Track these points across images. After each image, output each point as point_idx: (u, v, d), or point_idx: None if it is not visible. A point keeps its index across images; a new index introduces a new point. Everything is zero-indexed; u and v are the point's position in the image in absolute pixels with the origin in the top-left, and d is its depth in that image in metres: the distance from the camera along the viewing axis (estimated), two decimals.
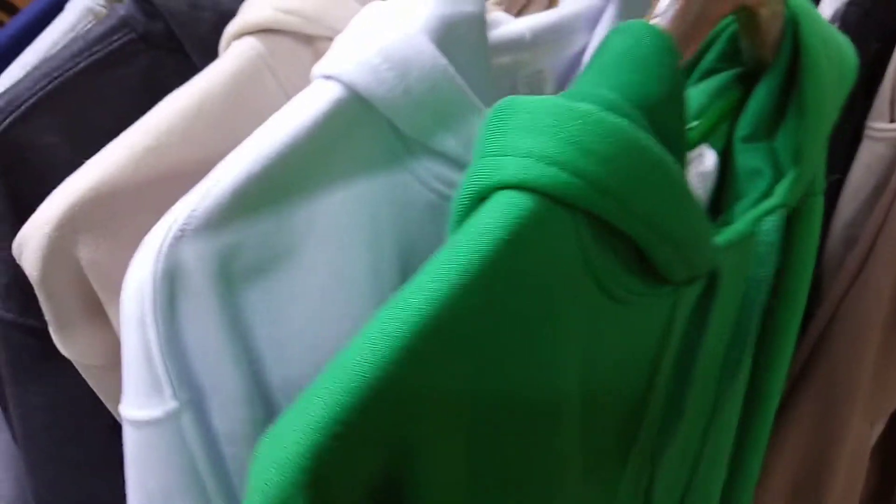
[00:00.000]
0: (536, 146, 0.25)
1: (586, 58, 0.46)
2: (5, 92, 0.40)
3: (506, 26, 0.43)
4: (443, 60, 0.33)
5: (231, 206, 0.31)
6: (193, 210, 0.30)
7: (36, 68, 0.41)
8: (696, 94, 0.38)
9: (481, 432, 0.24)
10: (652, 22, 0.30)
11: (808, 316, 0.67)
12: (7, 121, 0.39)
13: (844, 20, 0.55)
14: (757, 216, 0.36)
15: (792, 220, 0.48)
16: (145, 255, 0.30)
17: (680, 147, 0.28)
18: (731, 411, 0.41)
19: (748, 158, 0.38)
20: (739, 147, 0.38)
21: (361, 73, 0.33)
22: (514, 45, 0.42)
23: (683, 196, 0.28)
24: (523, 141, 0.25)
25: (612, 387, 0.34)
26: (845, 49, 0.39)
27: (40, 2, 0.53)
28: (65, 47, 0.42)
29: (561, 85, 0.46)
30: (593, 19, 0.45)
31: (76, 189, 0.34)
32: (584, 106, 0.25)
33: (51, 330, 0.37)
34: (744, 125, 0.38)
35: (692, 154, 0.36)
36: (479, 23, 0.37)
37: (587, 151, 0.24)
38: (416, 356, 0.21)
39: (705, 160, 0.36)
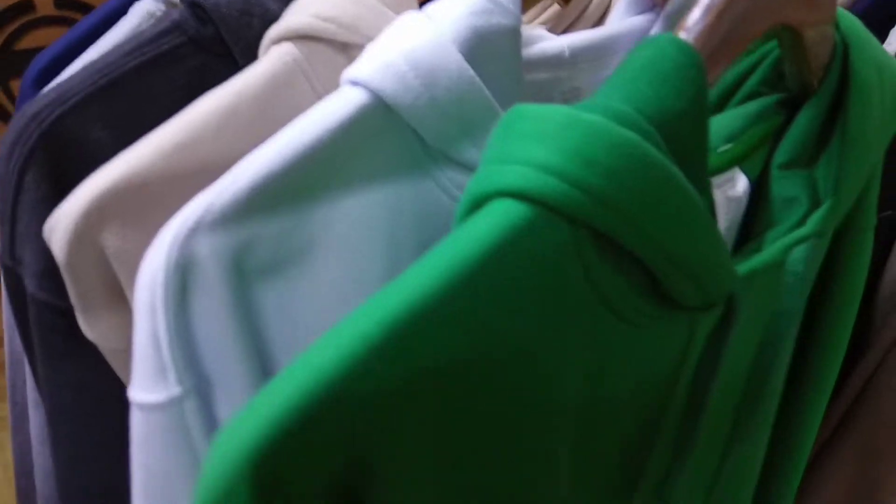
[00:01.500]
0: (537, 154, 0.24)
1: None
2: (58, 86, 0.42)
3: (546, 42, 0.42)
4: (469, 71, 0.33)
5: (248, 203, 0.31)
6: (210, 204, 0.31)
7: (89, 65, 0.43)
8: (733, 117, 0.37)
9: (453, 450, 0.24)
10: (679, 36, 0.29)
11: (856, 358, 0.64)
12: (56, 112, 0.41)
13: None
14: (787, 245, 0.34)
15: (836, 254, 0.47)
16: (161, 245, 0.31)
17: (700, 168, 0.27)
18: (752, 446, 0.39)
19: (785, 186, 0.36)
20: (776, 174, 0.36)
21: (388, 80, 0.33)
22: (553, 61, 0.42)
23: (697, 218, 0.27)
24: (525, 148, 0.24)
25: (621, 412, 0.32)
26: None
27: (109, 3, 0.55)
28: (118, 46, 0.44)
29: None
30: (636, 40, 0.44)
31: (106, 179, 0.35)
32: (591, 116, 0.25)
33: (76, 312, 0.39)
34: (783, 152, 0.36)
35: (722, 178, 0.35)
36: (513, 36, 0.36)
37: (590, 162, 0.24)
38: (381, 360, 0.21)
39: (737, 185, 0.35)
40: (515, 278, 0.23)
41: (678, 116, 0.26)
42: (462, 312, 0.22)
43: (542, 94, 0.43)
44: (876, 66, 0.35)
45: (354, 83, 0.34)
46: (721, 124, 0.36)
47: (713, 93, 0.41)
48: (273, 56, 0.40)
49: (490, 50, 0.35)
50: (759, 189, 0.37)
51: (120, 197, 0.36)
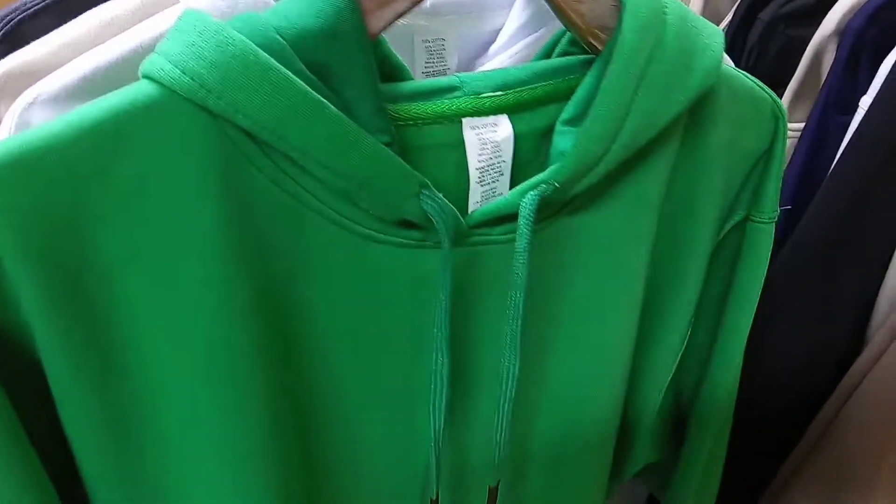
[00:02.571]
0: (171, 49, 0.29)
1: (498, 36, 0.48)
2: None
3: None
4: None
5: (76, 87, 0.38)
6: (46, 86, 0.39)
7: None
8: (524, 70, 0.38)
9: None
10: None
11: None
12: (17, 19, 0.50)
13: None
14: (522, 190, 0.36)
15: (738, 245, 0.47)
16: (6, 117, 0.39)
17: (356, 84, 0.31)
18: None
19: (561, 141, 0.38)
20: (559, 129, 0.38)
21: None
22: None
23: (312, 112, 0.30)
24: (169, 44, 0.30)
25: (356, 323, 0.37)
26: (698, 47, 0.38)
27: None
28: None
29: (467, 57, 0.48)
30: (509, 1, 0.46)
31: (5, 65, 0.44)
32: (215, 22, 0.29)
33: None
34: (568, 109, 0.38)
35: (483, 120, 0.37)
36: None
37: (199, 56, 0.28)
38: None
39: (498, 130, 0.37)
40: (136, 140, 0.29)
41: (313, 34, 0.29)
42: (75, 153, 0.28)
43: (403, 37, 0.46)
44: (655, 32, 0.36)
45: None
46: (502, 75, 0.38)
47: (542, 51, 0.43)
48: None
49: None
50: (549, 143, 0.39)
51: (13, 79, 0.44)
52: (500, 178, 0.38)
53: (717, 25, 0.81)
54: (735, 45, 0.78)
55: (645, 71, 0.36)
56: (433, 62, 0.47)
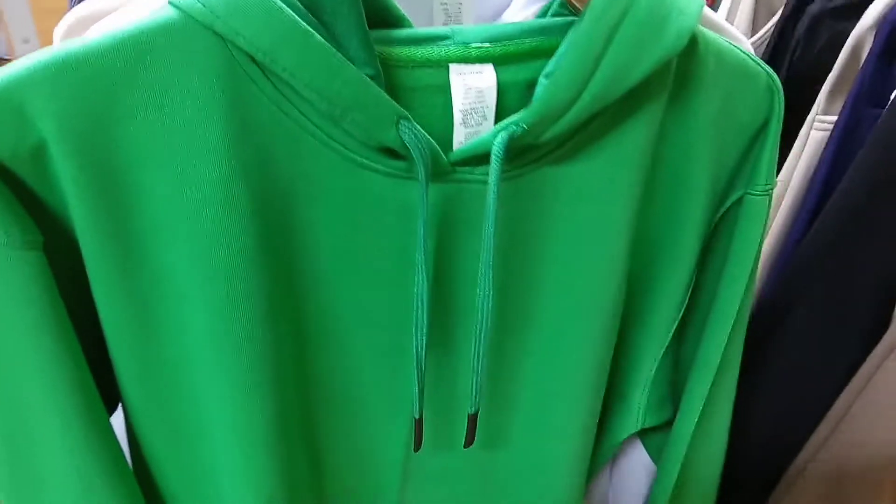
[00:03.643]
0: None
1: (511, 6, 0.52)
2: None
3: None
4: None
5: None
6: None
7: None
8: (514, 27, 0.43)
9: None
10: None
11: None
12: None
13: None
14: (496, 131, 0.40)
15: (724, 222, 0.50)
16: None
17: (350, 28, 0.36)
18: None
19: (538, 90, 0.42)
20: (539, 81, 0.42)
21: None
22: None
23: (305, 42, 0.35)
24: None
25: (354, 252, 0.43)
26: (673, 11, 0.41)
27: None
28: None
29: (483, 19, 0.52)
30: None
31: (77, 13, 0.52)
32: None
33: None
34: (550, 63, 0.42)
35: (469, 68, 0.41)
36: None
37: None
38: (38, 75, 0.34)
39: (482, 77, 0.41)
40: (156, 47, 0.35)
41: None
42: (110, 59, 0.35)
43: (419, 4, 0.51)
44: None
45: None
46: (492, 29, 0.42)
47: (540, 12, 0.46)
48: None
49: None
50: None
51: (82, 22, 0.52)
52: (483, 123, 0.42)
53: (771, 18, 0.82)
54: (784, 37, 0.79)
55: (616, 28, 0.39)
56: (450, 23, 0.51)
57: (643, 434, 0.64)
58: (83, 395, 0.41)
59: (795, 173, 0.72)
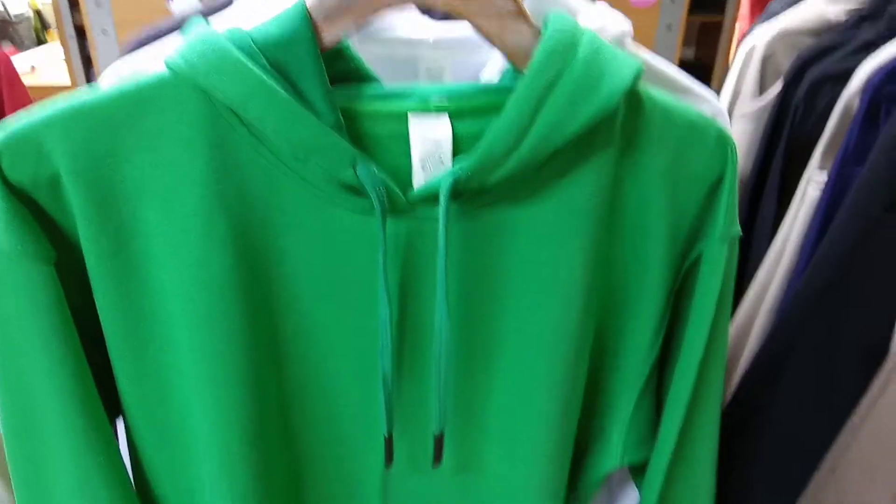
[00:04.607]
0: (181, 48, 0.43)
1: (486, 68, 0.58)
2: None
3: (418, 29, 0.57)
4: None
5: None
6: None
7: None
8: (468, 86, 0.48)
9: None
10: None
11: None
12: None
13: None
14: (444, 177, 0.45)
15: (690, 270, 0.54)
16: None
17: (312, 80, 0.43)
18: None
19: None
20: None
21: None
22: (418, 43, 0.57)
23: (268, 97, 0.42)
24: (181, 45, 0.43)
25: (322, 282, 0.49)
26: (608, 73, 0.45)
27: None
28: None
29: (462, 80, 0.58)
30: None
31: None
32: (212, 30, 0.43)
33: None
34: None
35: (426, 118, 0.47)
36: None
37: (194, 51, 0.42)
38: (56, 118, 0.42)
39: (437, 129, 0.47)
40: (153, 98, 0.43)
41: (276, 41, 0.42)
42: (114, 109, 0.43)
43: (410, 65, 0.57)
44: (563, 56, 0.44)
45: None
46: (450, 88, 0.48)
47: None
48: None
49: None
50: None
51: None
52: (440, 167, 0.48)
53: (776, 83, 0.85)
54: (786, 101, 0.82)
55: (551, 88, 0.44)
56: (433, 83, 0.58)
57: (634, 473, 0.66)
58: (84, 395, 0.47)
59: (794, 231, 0.74)
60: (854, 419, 0.65)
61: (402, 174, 0.47)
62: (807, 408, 0.67)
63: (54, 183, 0.44)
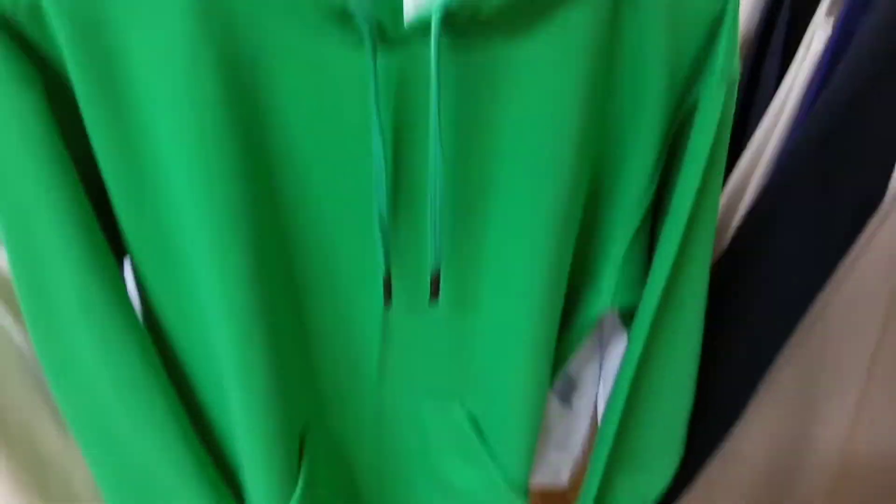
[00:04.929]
0: None
1: None
2: None
3: None
4: None
5: None
6: None
7: None
8: None
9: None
10: None
11: None
12: None
13: None
14: (434, 3, 0.44)
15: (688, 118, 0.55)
16: None
17: None
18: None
19: None
20: None
21: None
22: None
23: None
24: None
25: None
26: None
27: None
28: None
29: None
30: None
31: None
32: None
33: None
34: None
35: None
36: None
37: None
38: None
39: None
40: None
41: None
42: None
43: None
44: None
45: None
46: None
47: None
48: None
49: None
50: None
51: None
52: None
53: None
54: None
55: None
56: None
57: (624, 319, 0.68)
58: (81, 215, 0.48)
59: (797, 82, 0.73)
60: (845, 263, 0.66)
61: (394, 6, 0.46)
62: (799, 256, 0.68)
63: (35, 9, 0.43)
